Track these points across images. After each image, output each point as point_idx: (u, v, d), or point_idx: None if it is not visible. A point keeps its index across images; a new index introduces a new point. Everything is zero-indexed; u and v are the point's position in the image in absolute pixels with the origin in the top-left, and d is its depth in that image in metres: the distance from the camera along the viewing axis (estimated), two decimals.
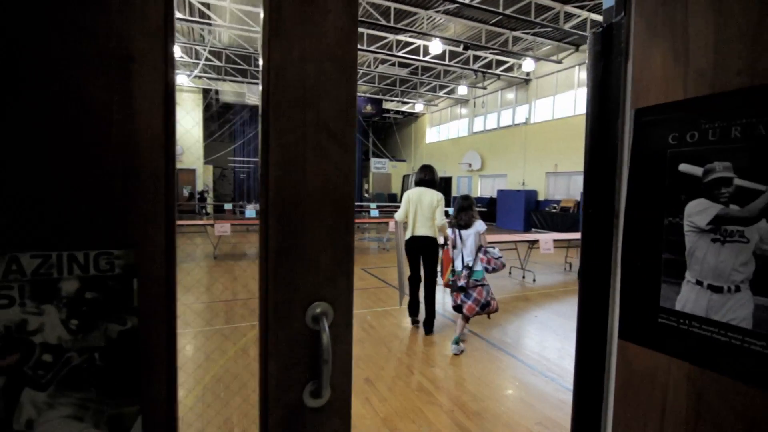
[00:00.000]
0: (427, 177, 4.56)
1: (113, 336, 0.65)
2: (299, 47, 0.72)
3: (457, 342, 3.91)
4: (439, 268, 4.54)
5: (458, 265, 3.91)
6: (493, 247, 3.99)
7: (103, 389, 0.65)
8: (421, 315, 4.52)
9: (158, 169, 0.65)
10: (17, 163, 0.58)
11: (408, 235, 4.46)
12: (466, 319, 3.88)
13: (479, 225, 3.98)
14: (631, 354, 1.05)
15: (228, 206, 18.31)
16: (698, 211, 0.89)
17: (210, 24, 11.77)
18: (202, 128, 20.96)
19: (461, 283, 3.79)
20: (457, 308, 3.88)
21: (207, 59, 15.09)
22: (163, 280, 0.68)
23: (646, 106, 1.02)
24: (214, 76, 18.09)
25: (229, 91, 19.25)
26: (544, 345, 4.19)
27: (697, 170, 0.90)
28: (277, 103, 0.72)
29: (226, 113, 21.56)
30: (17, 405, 0.61)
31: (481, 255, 3.85)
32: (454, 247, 3.99)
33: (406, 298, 4.61)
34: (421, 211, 4.38)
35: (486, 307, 3.79)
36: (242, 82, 18.02)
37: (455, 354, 3.83)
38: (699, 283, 0.89)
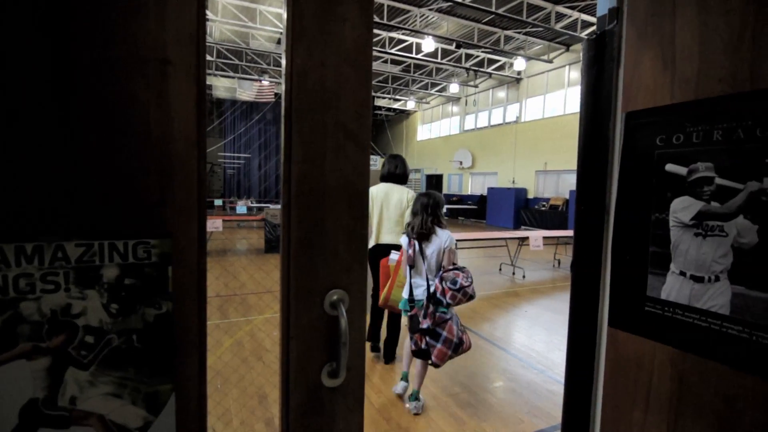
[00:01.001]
0: (398, 170, 3.53)
1: (150, 319, 0.70)
2: (319, 52, 0.78)
3: (416, 397, 2.86)
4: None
5: (418, 294, 2.78)
6: (461, 269, 2.76)
7: (140, 369, 0.70)
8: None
9: (191, 165, 0.71)
10: (65, 158, 0.63)
11: (371, 243, 3.47)
12: (434, 366, 2.75)
13: (443, 237, 2.80)
14: (620, 340, 1.13)
15: (218, 202, 18.21)
16: (682, 208, 0.97)
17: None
18: None
19: (425, 324, 2.67)
20: (421, 354, 2.75)
21: None
22: (195, 268, 0.73)
23: (635, 110, 1.09)
24: (208, 71, 17.90)
25: (220, 86, 19.10)
26: (533, 338, 4.31)
27: (682, 170, 0.98)
28: (299, 104, 0.77)
29: (217, 108, 21.41)
30: (62, 383, 0.66)
31: (435, 282, 2.73)
32: (411, 266, 2.83)
33: None
34: (388, 213, 3.44)
35: (459, 348, 2.72)
36: (234, 77, 17.89)
37: (415, 414, 2.82)
38: (682, 273, 0.97)
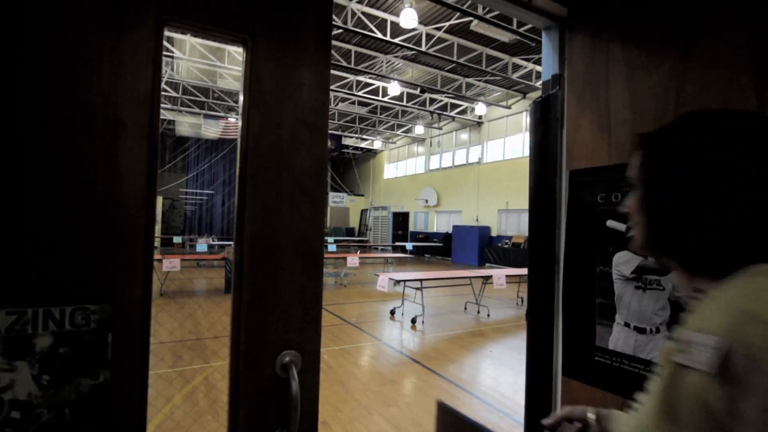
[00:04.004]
0: None
1: (85, 390, 0.66)
2: (276, 115, 0.80)
3: None
4: None
5: None
6: None
7: None
8: None
9: (138, 225, 0.69)
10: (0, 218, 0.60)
11: None
12: None
13: None
14: (573, 389, 1.15)
15: (177, 239, 17.53)
16: (623, 262, 1.03)
17: (171, 56, 11.67)
18: None
19: None
20: None
21: (163, 90, 14.86)
22: (138, 333, 0.70)
23: (577, 168, 1.17)
24: (169, 106, 17.75)
25: (185, 122, 18.90)
26: (498, 380, 4.29)
27: (621, 226, 1.04)
28: (254, 164, 0.78)
29: (180, 145, 21.06)
30: None
31: None
32: None
33: None
34: None
35: None
36: (199, 113, 17.76)
37: None
38: (627, 324, 1.01)
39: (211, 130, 17.77)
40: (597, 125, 1.14)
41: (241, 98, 0.80)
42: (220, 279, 9.53)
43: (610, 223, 1.07)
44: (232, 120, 17.49)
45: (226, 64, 12.35)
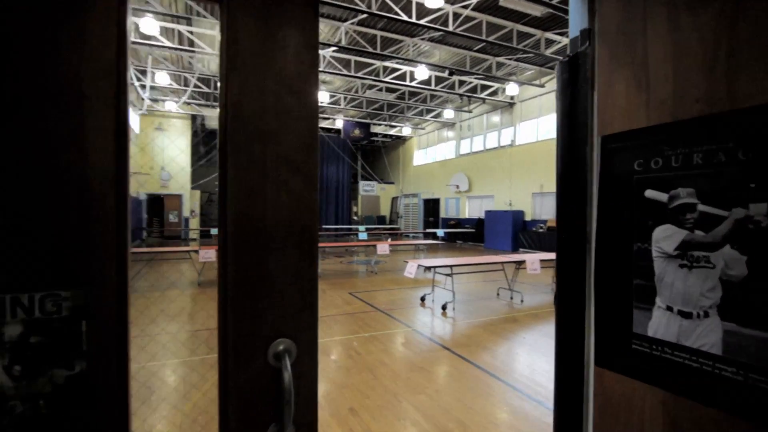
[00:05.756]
0: None
1: (60, 381, 0.62)
2: (257, 80, 0.72)
3: None
4: None
5: None
6: None
7: None
8: None
9: (109, 205, 0.64)
10: None
11: None
12: None
13: None
14: (608, 381, 1.03)
15: (214, 231, 18.09)
16: (665, 237, 0.90)
17: (196, 52, 11.89)
18: (191, 154, 20.92)
19: None
20: None
21: (195, 86, 15.21)
22: (114, 321, 0.65)
23: (611, 133, 1.03)
24: (202, 102, 18.19)
25: (216, 116, 19.33)
26: (533, 368, 4.15)
27: (663, 196, 0.91)
28: (235, 136, 0.71)
29: (214, 138, 21.60)
30: None
31: None
32: None
33: None
34: None
35: None
36: None
37: None
38: (669, 308, 0.88)
39: None
40: (633, 82, 1.00)
41: (218, 64, 0.72)
42: None
43: (650, 193, 0.94)
44: None
45: None
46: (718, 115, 0.82)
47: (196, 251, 8.45)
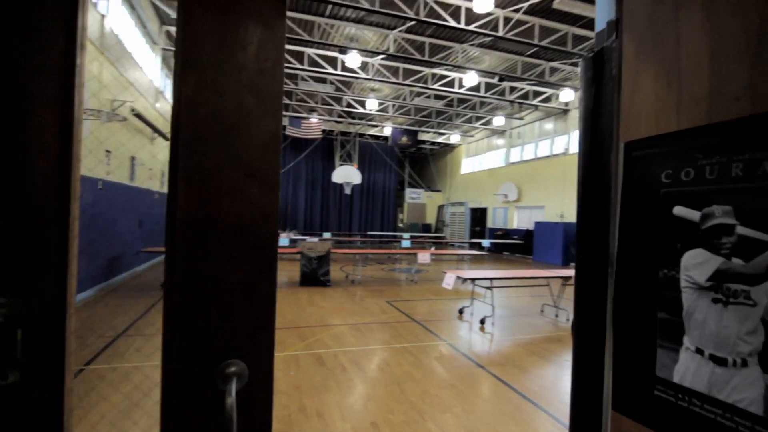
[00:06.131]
0: None
1: None
2: (214, 80, 0.67)
3: None
4: None
5: None
6: None
7: None
8: None
9: (50, 211, 0.61)
10: None
11: None
12: None
13: None
14: (626, 427, 0.88)
15: None
16: (696, 264, 0.74)
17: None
18: None
19: None
20: None
21: None
22: (53, 331, 0.62)
23: (636, 139, 0.89)
24: None
25: None
26: None
27: (694, 214, 0.76)
28: (187, 140, 0.66)
29: None
30: None
31: None
32: None
33: None
34: None
35: None
36: (284, 116, 18.77)
37: None
38: (699, 351, 0.73)
39: (295, 130, 18.66)
40: (662, 78, 0.85)
41: (174, 61, 0.68)
42: (296, 272, 9.94)
43: (679, 210, 0.78)
44: (313, 120, 18.24)
45: (306, 66, 12.83)
46: (764, 115, 0.66)
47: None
